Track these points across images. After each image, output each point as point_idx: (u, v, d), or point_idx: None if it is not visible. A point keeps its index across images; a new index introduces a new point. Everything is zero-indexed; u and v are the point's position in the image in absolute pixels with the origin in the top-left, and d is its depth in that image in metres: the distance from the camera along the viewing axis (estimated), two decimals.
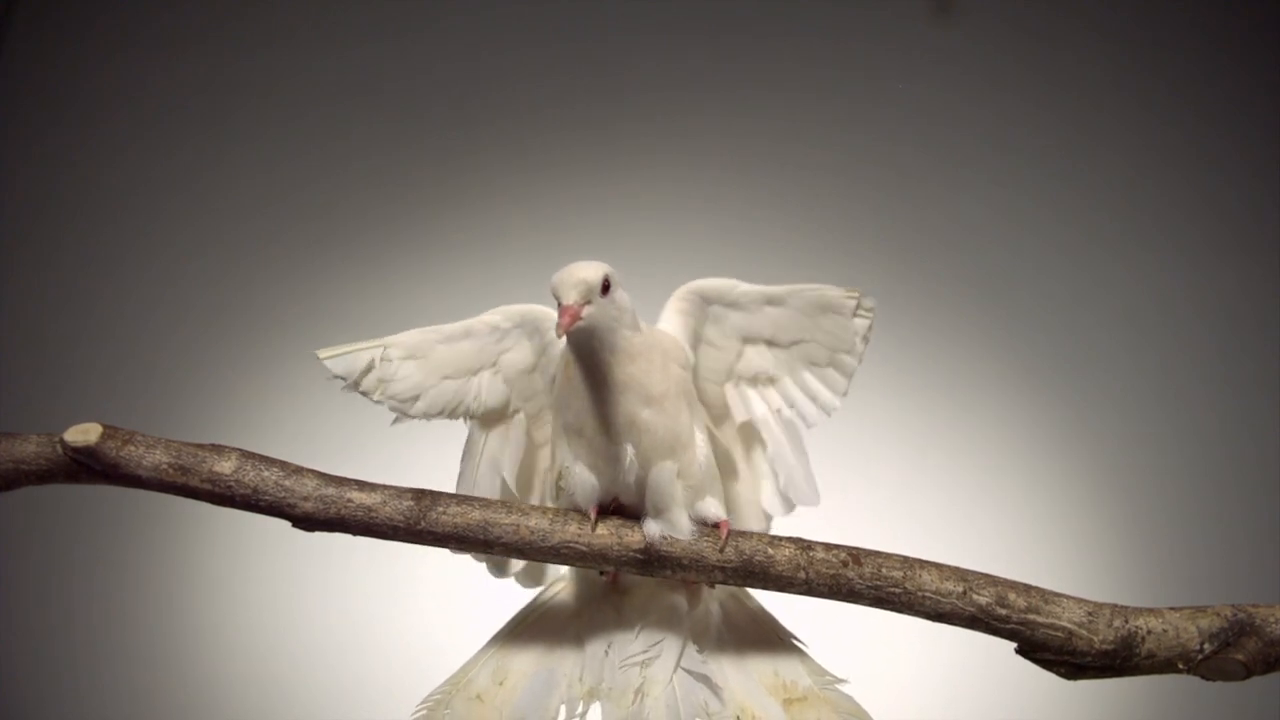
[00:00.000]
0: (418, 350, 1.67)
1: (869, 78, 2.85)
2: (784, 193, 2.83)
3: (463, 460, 1.71)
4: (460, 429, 1.72)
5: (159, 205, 2.79)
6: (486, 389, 1.68)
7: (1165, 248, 2.79)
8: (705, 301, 1.66)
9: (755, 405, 1.70)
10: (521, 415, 1.70)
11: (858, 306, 1.67)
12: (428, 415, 1.68)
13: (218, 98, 2.84)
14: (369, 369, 1.66)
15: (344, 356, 1.66)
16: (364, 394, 1.66)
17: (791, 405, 1.69)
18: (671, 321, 1.66)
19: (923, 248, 2.80)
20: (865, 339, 1.68)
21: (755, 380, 1.70)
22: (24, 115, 2.80)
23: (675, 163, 2.85)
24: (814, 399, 1.69)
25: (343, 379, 1.66)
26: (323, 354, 1.66)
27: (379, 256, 2.77)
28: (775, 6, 2.89)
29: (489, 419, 1.70)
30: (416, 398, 1.67)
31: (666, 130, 2.86)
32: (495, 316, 1.67)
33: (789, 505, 1.70)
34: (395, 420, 1.68)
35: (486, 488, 1.69)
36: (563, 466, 1.62)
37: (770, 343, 1.68)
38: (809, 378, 1.69)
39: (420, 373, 1.67)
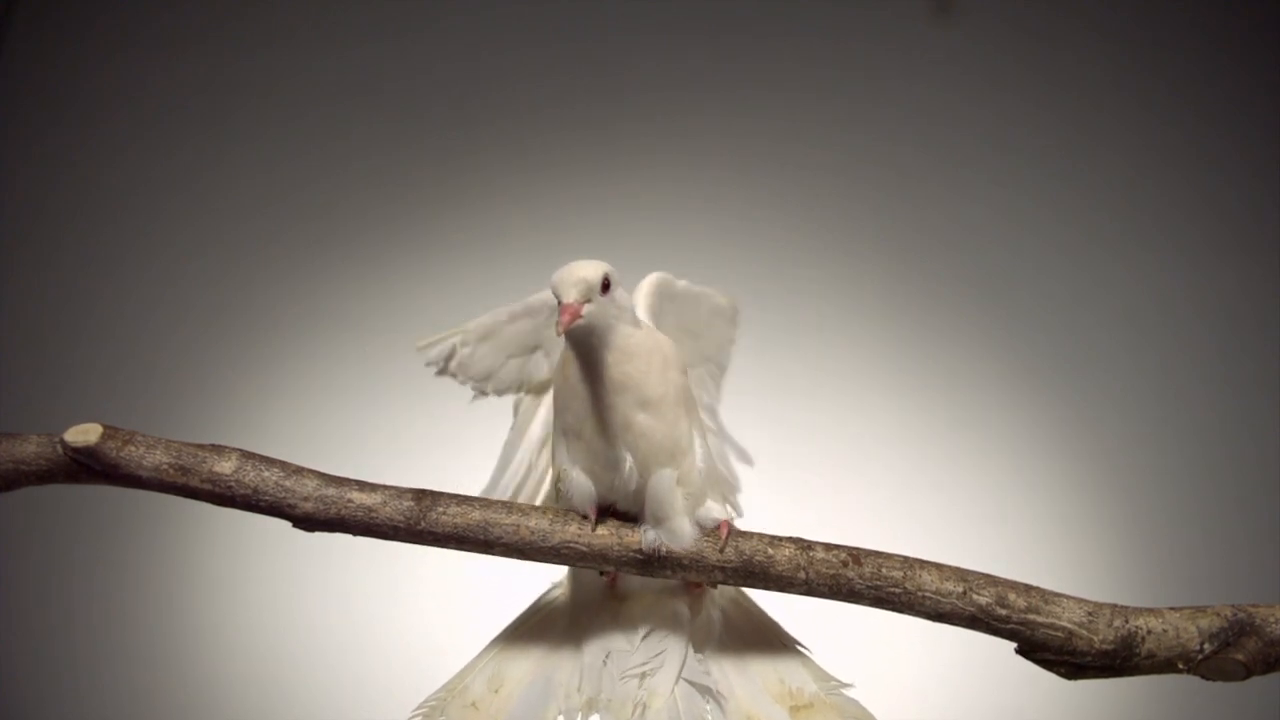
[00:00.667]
0: (490, 332, 1.75)
1: (869, 78, 2.86)
2: (784, 193, 2.83)
3: (512, 429, 1.80)
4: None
5: (159, 205, 2.79)
6: (538, 365, 1.77)
7: (1165, 248, 2.79)
8: (660, 295, 1.73)
9: None
10: None
11: (735, 313, 1.81)
12: (500, 392, 1.78)
13: (218, 98, 2.84)
14: (452, 354, 1.75)
15: (436, 345, 1.75)
16: (450, 376, 1.76)
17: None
18: (653, 320, 1.70)
19: (923, 248, 2.80)
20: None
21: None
22: (24, 115, 2.80)
23: (675, 163, 2.85)
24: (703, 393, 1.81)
25: (435, 365, 1.75)
26: (420, 343, 1.75)
27: (379, 256, 2.77)
28: (775, 6, 2.90)
29: (539, 389, 1.78)
30: (489, 377, 1.76)
31: (666, 130, 2.86)
32: (548, 294, 1.68)
33: None
34: (474, 398, 1.78)
35: (523, 456, 1.77)
36: (560, 469, 1.62)
37: (691, 335, 1.78)
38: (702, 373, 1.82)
39: (493, 354, 1.75)
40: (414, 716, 1.67)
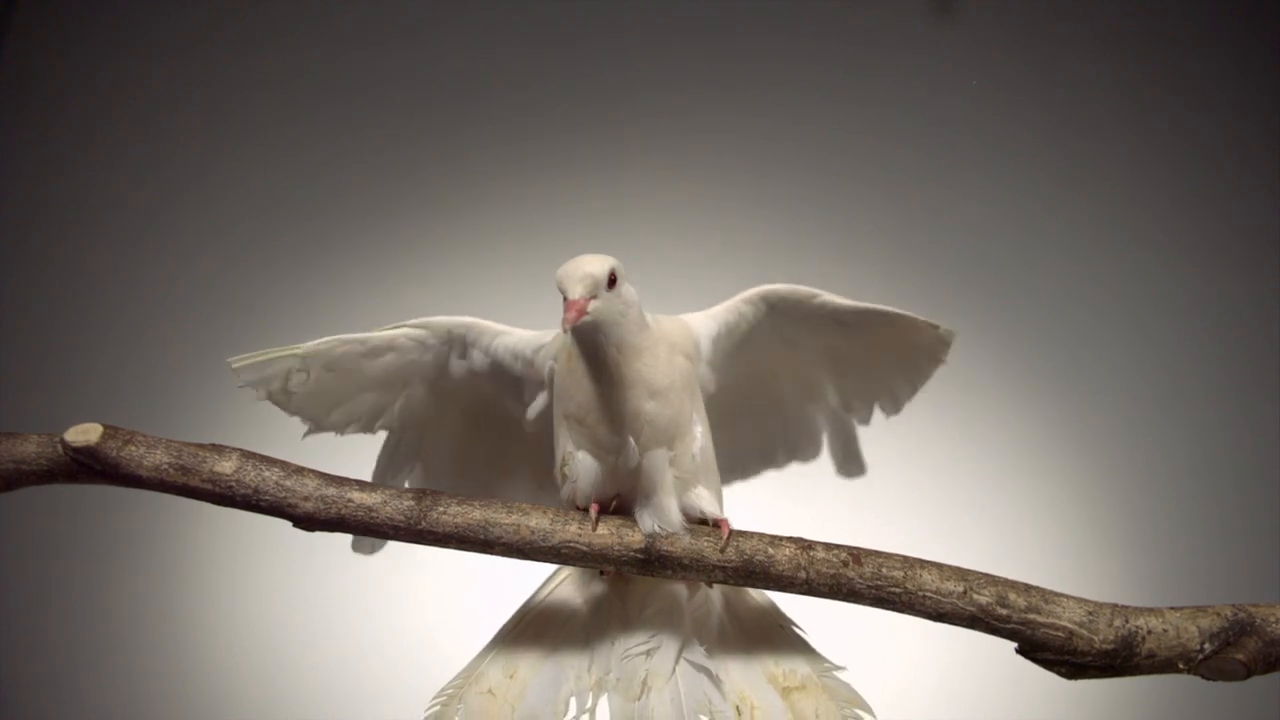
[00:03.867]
0: (339, 363, 1.65)
1: (869, 78, 2.86)
2: (783, 192, 2.83)
3: (380, 459, 1.74)
4: None
5: (159, 205, 2.79)
6: (418, 401, 1.69)
7: (1165, 248, 2.79)
8: (770, 307, 1.66)
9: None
10: (454, 418, 1.72)
11: (937, 344, 1.69)
12: (342, 429, 1.68)
13: (217, 98, 2.84)
14: (285, 379, 1.63)
15: (257, 365, 1.63)
16: (277, 405, 1.64)
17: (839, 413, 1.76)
18: (718, 315, 1.66)
19: (923, 247, 2.80)
20: (929, 377, 1.73)
21: (810, 392, 1.74)
22: (24, 115, 2.80)
23: (677, 162, 2.85)
24: (855, 415, 1.77)
25: (254, 388, 1.63)
26: (235, 362, 1.62)
27: (379, 256, 2.77)
28: (775, 6, 2.90)
29: (407, 425, 1.71)
30: (331, 410, 1.66)
31: (666, 130, 2.86)
32: (421, 331, 1.66)
33: None
34: (307, 433, 1.68)
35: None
36: (564, 453, 1.62)
37: (834, 360, 1.71)
38: (857, 402, 1.75)
39: (339, 385, 1.65)
40: (432, 705, 1.68)
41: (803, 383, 1.74)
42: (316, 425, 1.67)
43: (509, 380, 1.67)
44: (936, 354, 1.71)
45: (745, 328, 1.67)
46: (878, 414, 1.80)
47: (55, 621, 2.57)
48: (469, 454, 1.75)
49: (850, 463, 1.79)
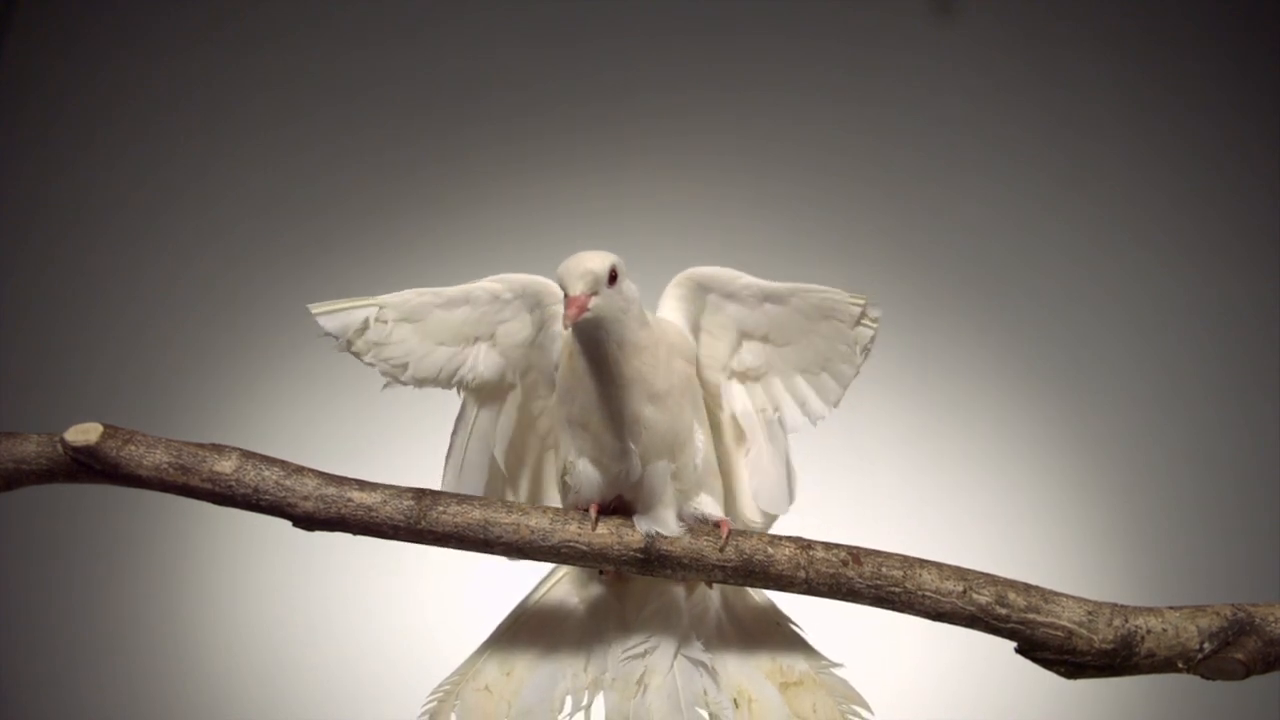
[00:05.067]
0: (414, 313, 1.62)
1: (869, 78, 2.86)
2: (783, 191, 2.83)
3: (453, 434, 1.68)
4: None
5: (159, 205, 2.79)
6: (483, 360, 1.64)
7: (1165, 248, 2.79)
8: (703, 290, 1.63)
9: (739, 401, 1.66)
10: (517, 390, 1.67)
11: (862, 315, 1.61)
12: (419, 382, 1.64)
13: (217, 98, 2.84)
14: (363, 328, 1.61)
15: (338, 313, 1.61)
16: (355, 354, 1.62)
17: (776, 408, 1.66)
18: (671, 309, 1.63)
19: (923, 246, 2.80)
20: (866, 350, 1.62)
21: (745, 376, 1.66)
22: (24, 115, 2.80)
23: (675, 162, 2.85)
24: (802, 405, 1.65)
25: (335, 337, 1.61)
26: (315, 309, 1.61)
27: (379, 256, 2.77)
28: (775, 6, 2.90)
29: (483, 392, 1.66)
30: (408, 364, 1.62)
31: (666, 130, 2.86)
32: (497, 285, 1.63)
33: (759, 510, 1.66)
34: (385, 385, 1.64)
35: (475, 463, 1.66)
36: (566, 461, 1.61)
37: (765, 340, 1.64)
38: (800, 382, 1.65)
39: (415, 337, 1.62)
40: (429, 702, 1.68)
41: (740, 372, 1.68)
42: (393, 378, 1.64)
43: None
44: (861, 338, 1.63)
45: (694, 314, 1.64)
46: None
47: (55, 621, 2.57)
48: (527, 431, 1.71)
49: (768, 491, 1.66)
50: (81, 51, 2.83)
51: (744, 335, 1.64)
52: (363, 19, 2.88)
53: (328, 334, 1.61)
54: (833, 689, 1.69)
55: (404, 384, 1.64)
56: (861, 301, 1.61)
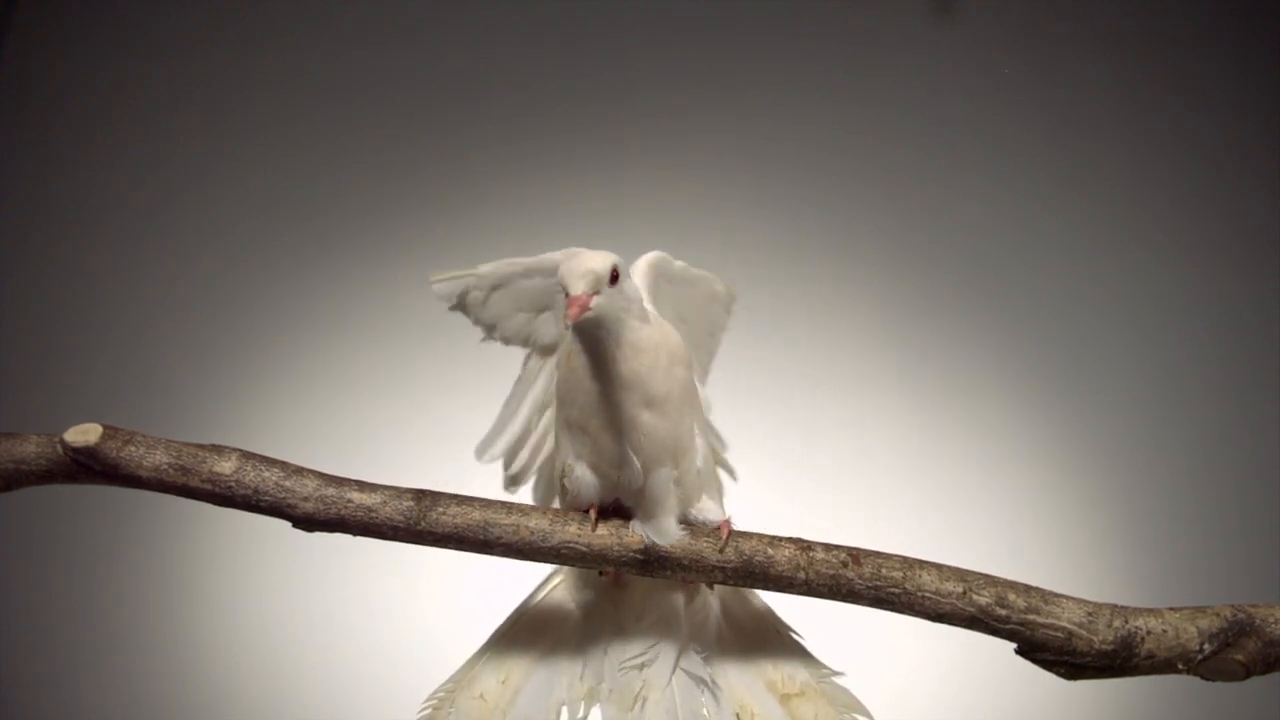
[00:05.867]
0: (502, 281, 1.69)
1: (869, 78, 2.86)
2: (783, 191, 2.83)
3: (515, 384, 1.74)
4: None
5: (159, 205, 2.79)
6: (546, 326, 1.71)
7: (1165, 248, 2.79)
8: (657, 274, 1.69)
9: None
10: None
11: (731, 302, 1.78)
12: (506, 341, 1.72)
13: (218, 98, 2.84)
14: (465, 294, 1.70)
15: (448, 281, 1.71)
16: (461, 312, 1.71)
17: None
18: (650, 300, 1.67)
19: (923, 246, 2.80)
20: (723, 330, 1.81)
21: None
22: (24, 115, 2.80)
23: (675, 161, 2.85)
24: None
25: (447, 301, 1.70)
26: (434, 277, 1.71)
27: (379, 256, 2.77)
28: (775, 6, 2.90)
29: (547, 352, 1.73)
30: (496, 324, 1.71)
31: (668, 130, 2.86)
32: (560, 256, 1.64)
33: None
34: (483, 339, 1.72)
35: (524, 415, 1.72)
36: (564, 464, 1.62)
37: (682, 320, 1.71)
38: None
39: (501, 303, 1.70)
40: (424, 708, 1.68)
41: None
42: (488, 334, 1.72)
43: None
44: (725, 323, 1.81)
45: (653, 299, 1.68)
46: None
47: (55, 621, 2.57)
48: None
49: None
50: (81, 51, 2.83)
51: (679, 317, 1.72)
52: (363, 19, 2.88)
53: (442, 299, 1.71)
54: (834, 698, 1.69)
55: (493, 340, 1.73)
56: (734, 291, 1.79)
